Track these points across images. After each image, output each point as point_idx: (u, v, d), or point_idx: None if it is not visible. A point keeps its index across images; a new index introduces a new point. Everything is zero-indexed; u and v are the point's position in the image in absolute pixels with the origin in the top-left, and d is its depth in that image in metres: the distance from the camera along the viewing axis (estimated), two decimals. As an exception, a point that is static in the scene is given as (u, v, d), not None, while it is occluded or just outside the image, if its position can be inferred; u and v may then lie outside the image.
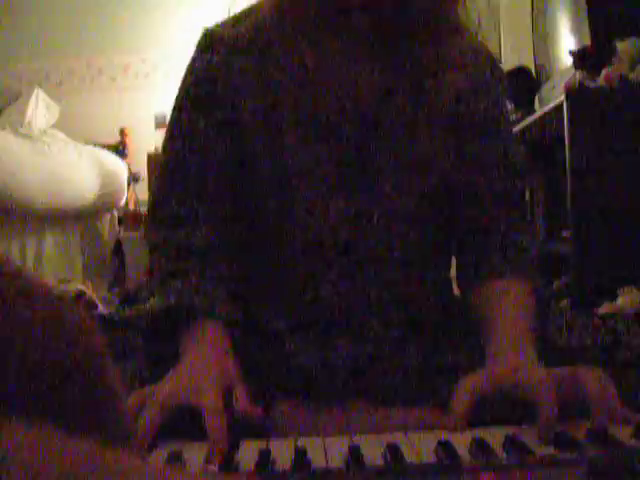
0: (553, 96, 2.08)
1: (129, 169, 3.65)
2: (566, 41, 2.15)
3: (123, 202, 3.59)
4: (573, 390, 0.63)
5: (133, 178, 3.71)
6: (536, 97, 2.49)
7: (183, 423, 0.64)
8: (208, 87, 0.83)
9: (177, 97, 0.87)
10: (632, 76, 1.78)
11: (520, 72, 2.59)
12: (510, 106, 2.62)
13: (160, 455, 0.59)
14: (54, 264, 3.06)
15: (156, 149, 3.84)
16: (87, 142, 3.47)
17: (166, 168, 0.87)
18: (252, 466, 0.55)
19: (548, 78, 2.34)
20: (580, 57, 1.91)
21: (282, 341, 0.84)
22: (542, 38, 2.41)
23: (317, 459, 0.56)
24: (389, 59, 0.82)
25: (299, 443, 0.60)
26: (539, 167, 2.37)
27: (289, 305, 0.85)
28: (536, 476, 0.52)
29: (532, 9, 2.49)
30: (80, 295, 2.22)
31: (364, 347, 0.83)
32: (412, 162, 0.83)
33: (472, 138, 0.86)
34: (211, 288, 0.78)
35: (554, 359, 0.74)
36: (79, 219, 3.27)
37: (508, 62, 3.00)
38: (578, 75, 1.88)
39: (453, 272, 0.92)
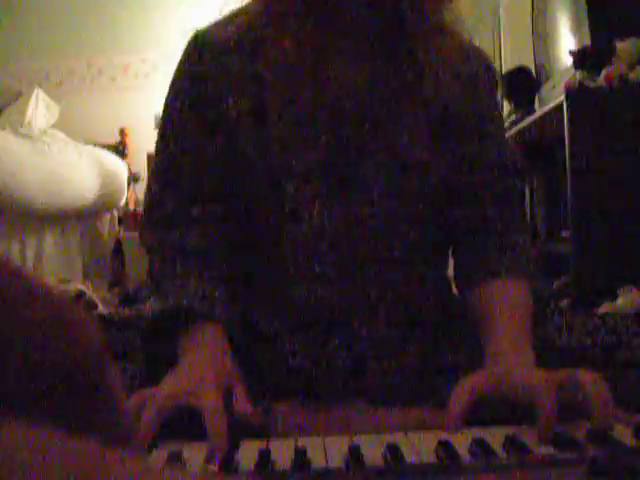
0: (553, 96, 2.08)
1: (129, 169, 3.65)
2: (566, 41, 2.15)
3: (123, 202, 3.59)
4: (570, 392, 0.63)
5: (133, 178, 3.71)
6: (536, 97, 2.49)
7: (183, 423, 0.64)
8: (198, 88, 0.84)
9: (167, 98, 0.87)
10: (632, 76, 1.78)
11: (520, 72, 2.59)
12: (510, 106, 2.62)
13: (160, 455, 0.59)
14: (54, 264, 3.06)
15: (156, 149, 3.82)
16: (87, 142, 3.47)
17: (159, 170, 0.87)
18: (252, 466, 0.55)
19: (548, 78, 2.34)
20: (580, 57, 1.91)
21: (281, 342, 0.84)
22: (542, 38, 2.41)
23: (317, 459, 0.56)
24: (378, 58, 0.82)
25: (299, 443, 0.60)
26: (539, 167, 2.37)
27: (287, 305, 0.85)
28: (536, 476, 0.52)
29: (532, 9, 2.49)
30: (80, 295, 2.22)
31: (363, 347, 0.83)
32: (403, 162, 0.83)
33: (465, 138, 0.86)
34: (209, 289, 0.79)
35: (554, 359, 0.74)
36: (79, 219, 3.27)
37: (508, 62, 3.01)
38: (578, 75, 1.88)
39: (452, 272, 0.92)
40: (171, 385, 0.67)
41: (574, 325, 0.78)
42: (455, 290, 0.91)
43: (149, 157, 3.80)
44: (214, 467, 0.56)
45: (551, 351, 0.77)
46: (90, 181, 3.19)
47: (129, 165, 3.71)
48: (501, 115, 0.94)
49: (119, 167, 3.51)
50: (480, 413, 0.66)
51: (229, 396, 0.67)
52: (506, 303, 0.80)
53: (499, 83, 0.94)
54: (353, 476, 0.53)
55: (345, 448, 0.57)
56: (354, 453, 0.56)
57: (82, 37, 4.23)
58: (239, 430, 0.63)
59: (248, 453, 0.58)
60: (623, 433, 0.59)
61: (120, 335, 0.83)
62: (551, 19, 2.31)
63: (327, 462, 0.56)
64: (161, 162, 0.87)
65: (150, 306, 0.79)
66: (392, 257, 0.85)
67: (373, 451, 0.57)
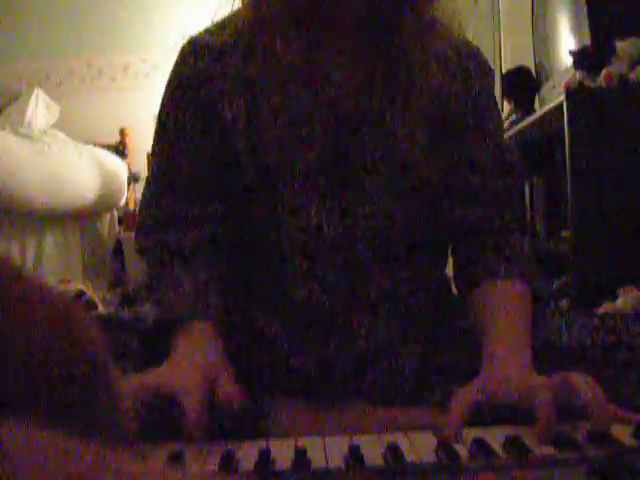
0: (553, 96, 2.08)
1: (129, 169, 3.65)
2: (566, 41, 2.15)
3: (123, 202, 3.58)
4: (566, 395, 0.63)
5: (133, 178, 3.71)
6: (536, 97, 2.49)
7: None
8: (193, 91, 0.84)
9: (162, 101, 0.87)
10: (632, 76, 1.77)
11: (520, 72, 2.59)
12: (510, 106, 2.62)
13: (160, 455, 0.59)
14: (54, 264, 3.05)
15: (156, 149, 3.82)
16: (87, 142, 3.47)
17: (155, 172, 0.88)
18: (252, 466, 0.55)
19: (548, 78, 2.34)
20: (580, 57, 1.91)
21: (281, 342, 0.84)
22: (542, 38, 2.41)
23: (317, 459, 0.56)
24: (372, 58, 0.82)
25: (299, 443, 0.60)
26: (539, 167, 2.37)
27: (287, 306, 0.85)
28: (536, 476, 0.52)
29: (532, 9, 2.49)
30: (80, 295, 2.22)
31: (363, 347, 0.83)
32: (401, 162, 0.83)
33: (463, 137, 0.86)
34: (202, 292, 0.79)
35: (554, 359, 0.74)
36: (79, 219, 3.27)
37: (508, 62, 3.01)
38: (578, 75, 1.87)
39: (452, 272, 0.92)
40: (152, 378, 0.69)
41: (574, 325, 0.78)
42: (455, 290, 0.91)
43: (149, 157, 3.79)
44: (214, 467, 0.56)
45: (551, 351, 0.77)
46: (90, 181, 3.19)
47: (129, 165, 3.70)
48: (499, 114, 0.94)
49: (119, 167, 3.51)
50: (480, 413, 0.66)
51: (212, 386, 0.68)
52: (505, 303, 0.80)
53: (496, 81, 0.93)
54: (353, 476, 0.53)
55: (345, 448, 0.57)
56: (354, 453, 0.56)
57: (82, 37, 4.22)
58: (222, 418, 0.65)
59: (248, 453, 0.58)
60: (623, 433, 0.59)
61: (119, 335, 0.83)
62: (551, 19, 2.31)
63: (327, 462, 0.56)
64: (157, 164, 0.88)
65: (147, 315, 0.80)
66: (391, 257, 0.85)
67: (373, 451, 0.57)
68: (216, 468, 0.56)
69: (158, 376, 0.69)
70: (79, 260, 3.24)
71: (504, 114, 2.52)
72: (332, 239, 0.83)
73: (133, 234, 0.90)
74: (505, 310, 0.78)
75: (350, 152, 0.82)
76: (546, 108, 2.01)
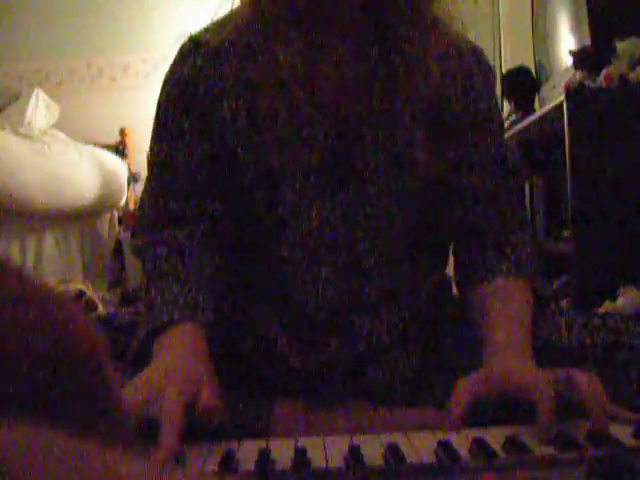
0: (553, 96, 2.08)
1: (129, 169, 3.65)
2: (566, 41, 2.15)
3: (123, 202, 3.58)
4: (567, 391, 0.63)
5: (133, 178, 3.71)
6: (536, 97, 2.49)
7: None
8: (191, 89, 0.84)
9: (159, 100, 0.87)
10: (632, 76, 1.77)
11: (520, 72, 2.59)
12: (510, 106, 2.62)
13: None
14: (54, 264, 3.05)
15: (156, 149, 3.81)
16: (87, 142, 3.47)
17: (153, 171, 0.88)
18: (252, 466, 0.55)
19: (548, 78, 2.34)
20: (580, 57, 1.91)
21: (281, 342, 0.84)
22: (542, 38, 2.41)
23: (317, 459, 0.56)
24: (371, 56, 0.82)
25: (299, 443, 0.60)
26: (539, 167, 2.37)
27: (287, 306, 0.85)
28: (536, 476, 0.52)
29: (532, 9, 2.49)
30: (80, 295, 2.22)
31: (363, 347, 0.83)
32: (401, 161, 0.83)
33: (463, 136, 0.86)
34: (192, 293, 0.77)
35: (554, 359, 0.74)
36: (79, 219, 3.26)
37: (508, 62, 3.01)
38: (578, 75, 1.87)
39: (452, 272, 0.92)
40: (130, 395, 0.64)
41: (574, 325, 0.78)
42: (455, 290, 0.91)
43: (149, 157, 3.79)
44: (213, 467, 0.56)
45: (551, 351, 0.77)
46: (90, 181, 3.19)
47: (129, 165, 3.70)
48: (500, 113, 0.94)
49: (119, 167, 3.51)
50: (480, 413, 0.66)
51: (192, 397, 0.65)
52: (505, 303, 0.80)
53: (496, 80, 0.93)
54: (353, 476, 0.53)
55: (345, 448, 0.57)
56: (354, 453, 0.56)
57: (82, 37, 4.22)
58: (201, 427, 0.63)
59: (248, 453, 0.58)
60: (623, 433, 0.59)
61: (120, 336, 0.83)
62: (551, 19, 2.31)
63: (327, 462, 0.56)
64: (155, 163, 0.87)
65: (139, 325, 0.78)
66: (392, 257, 0.85)
67: (373, 451, 0.57)
68: (216, 468, 0.56)
69: (135, 391, 0.64)
70: (79, 260, 3.24)
71: (504, 114, 2.52)
72: (332, 239, 0.83)
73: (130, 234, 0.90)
74: (506, 308, 0.78)
75: (350, 152, 0.82)
76: (546, 108, 2.01)
